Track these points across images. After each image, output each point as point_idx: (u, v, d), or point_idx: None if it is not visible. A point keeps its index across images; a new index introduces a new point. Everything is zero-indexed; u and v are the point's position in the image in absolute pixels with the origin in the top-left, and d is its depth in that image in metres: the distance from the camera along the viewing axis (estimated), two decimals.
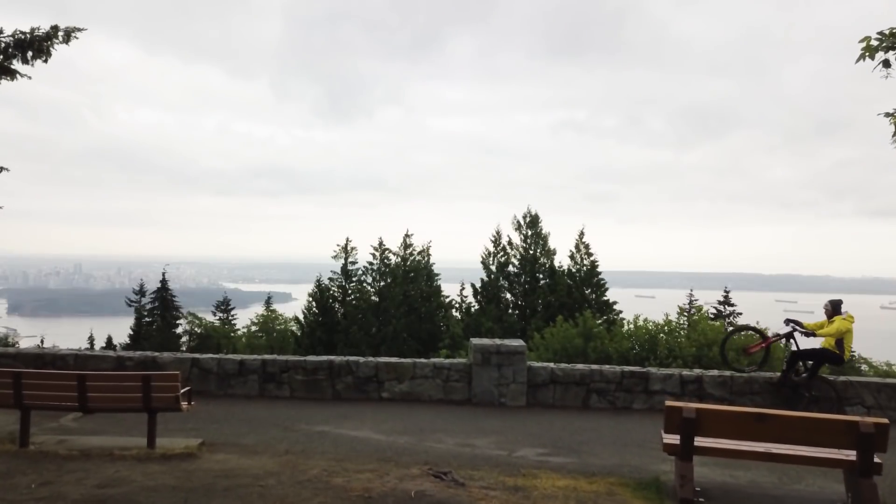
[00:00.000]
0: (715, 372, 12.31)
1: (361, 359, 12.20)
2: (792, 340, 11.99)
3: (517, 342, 12.30)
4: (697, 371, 12.38)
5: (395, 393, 12.03)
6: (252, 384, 12.00)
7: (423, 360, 12.42)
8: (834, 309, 11.65)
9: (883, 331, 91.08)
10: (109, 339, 48.45)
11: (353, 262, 39.01)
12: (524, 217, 37.41)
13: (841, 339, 11.34)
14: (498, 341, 12.28)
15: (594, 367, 12.28)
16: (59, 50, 10.79)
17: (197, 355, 12.04)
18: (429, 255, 38.19)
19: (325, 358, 12.14)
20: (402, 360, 12.31)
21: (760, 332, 13.11)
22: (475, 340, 12.35)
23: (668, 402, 7.22)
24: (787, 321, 12.18)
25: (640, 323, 21.76)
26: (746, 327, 15.63)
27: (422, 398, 12.03)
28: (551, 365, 12.28)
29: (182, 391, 8.18)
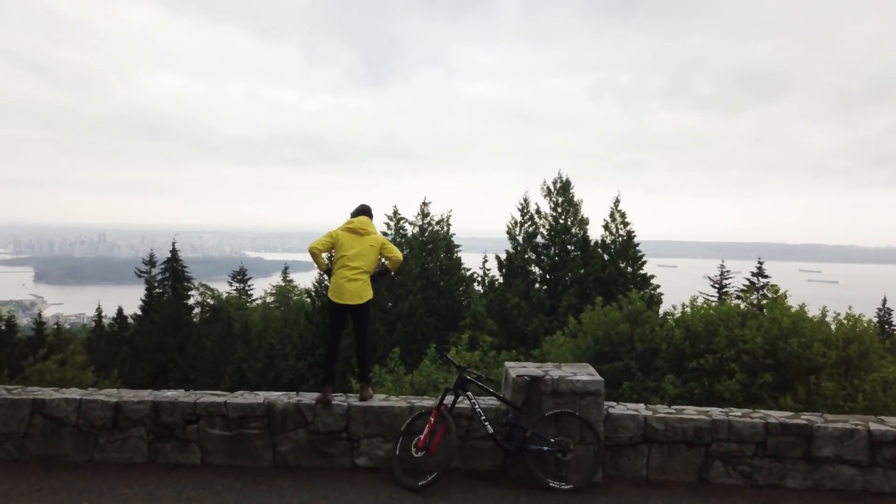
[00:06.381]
0: None
1: (317, 403, 6.79)
2: (468, 394, 6.65)
3: (587, 373, 6.81)
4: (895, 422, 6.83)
5: (378, 458, 6.64)
6: (136, 443, 6.62)
7: (426, 400, 7.03)
8: None
9: None
10: (120, 311, 43.67)
11: None
12: (554, 183, 31.71)
13: None
14: (555, 371, 6.81)
15: (716, 414, 6.78)
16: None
17: (42, 395, 6.68)
18: (448, 224, 32.58)
19: (259, 398, 6.74)
20: (393, 401, 6.92)
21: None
22: (512, 367, 6.92)
23: None
24: (458, 367, 6.82)
25: (699, 305, 16.13)
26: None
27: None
28: (644, 411, 6.80)
29: None
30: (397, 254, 7.12)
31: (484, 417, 6.44)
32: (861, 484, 6.52)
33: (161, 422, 6.59)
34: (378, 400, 6.87)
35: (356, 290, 6.84)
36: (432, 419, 6.35)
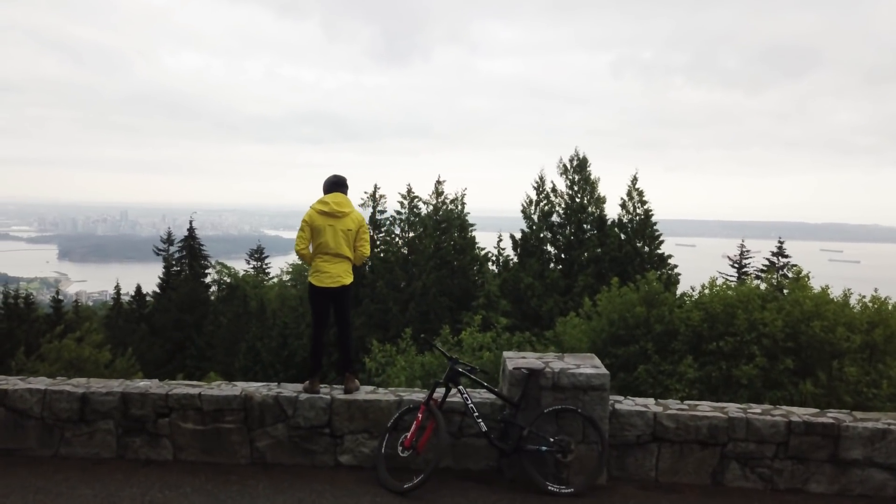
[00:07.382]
0: None
1: (303, 392, 6.25)
2: (460, 388, 5.99)
3: (591, 365, 6.18)
4: None
5: (363, 456, 6.09)
6: (104, 437, 6.12)
7: (417, 393, 6.46)
8: None
9: None
10: (138, 288, 43.61)
11: (382, 211, 33.07)
12: (571, 160, 30.83)
13: None
14: (556, 363, 6.18)
15: (733, 411, 6.13)
16: None
17: (6, 385, 6.19)
18: (463, 203, 31.90)
19: (236, 390, 6.21)
20: (380, 394, 6.35)
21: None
22: (510, 358, 6.31)
23: None
24: (449, 359, 6.10)
25: (718, 286, 15.35)
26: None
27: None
28: (653, 406, 6.18)
29: None
30: (366, 249, 6.52)
31: (477, 413, 5.85)
32: (893, 489, 5.86)
33: (131, 414, 6.08)
34: (364, 392, 6.30)
35: (337, 272, 6.32)
36: (420, 415, 5.78)
